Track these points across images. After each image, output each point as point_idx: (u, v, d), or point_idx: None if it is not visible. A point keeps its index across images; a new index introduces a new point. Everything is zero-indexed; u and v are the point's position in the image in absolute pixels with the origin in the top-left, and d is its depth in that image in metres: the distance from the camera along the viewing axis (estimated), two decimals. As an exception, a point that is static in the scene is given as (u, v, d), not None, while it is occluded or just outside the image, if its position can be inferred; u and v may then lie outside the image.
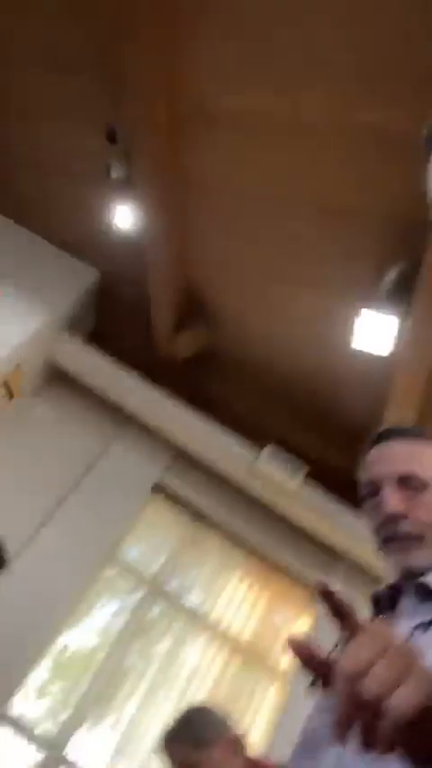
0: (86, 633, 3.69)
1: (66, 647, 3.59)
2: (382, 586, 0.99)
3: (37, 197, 4.22)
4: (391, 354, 3.33)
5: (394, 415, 3.50)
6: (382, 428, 1.10)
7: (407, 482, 0.97)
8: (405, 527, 0.94)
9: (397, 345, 3.21)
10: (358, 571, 4.01)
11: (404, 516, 0.94)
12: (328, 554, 4.11)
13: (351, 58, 2.49)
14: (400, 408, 3.44)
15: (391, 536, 0.95)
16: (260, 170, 3.14)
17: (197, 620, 3.83)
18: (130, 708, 3.43)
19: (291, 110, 2.80)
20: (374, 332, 3.14)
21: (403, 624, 0.87)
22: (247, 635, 3.84)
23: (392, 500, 0.96)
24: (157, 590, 3.88)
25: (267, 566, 4.12)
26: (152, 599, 3.84)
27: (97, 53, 3.11)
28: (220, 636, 3.79)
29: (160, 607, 3.83)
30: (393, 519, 0.95)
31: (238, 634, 3.82)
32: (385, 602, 0.97)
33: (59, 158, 3.84)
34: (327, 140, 2.82)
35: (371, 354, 3.56)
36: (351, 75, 2.54)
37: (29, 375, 4.29)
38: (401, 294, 3.04)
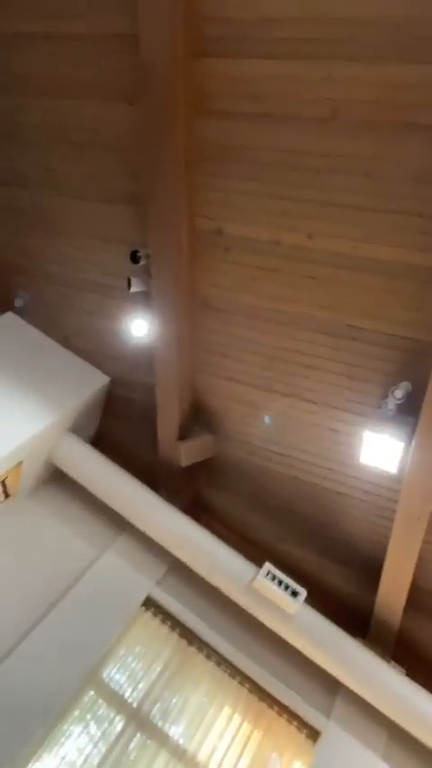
0: (58, 765, 3.35)
1: (33, 782, 3.24)
2: None
3: (61, 307, 4.45)
4: (397, 473, 3.32)
5: (400, 538, 3.42)
6: None
7: None
8: None
9: (402, 467, 3.21)
10: (360, 709, 3.70)
11: None
12: (327, 687, 3.81)
13: (362, 202, 2.75)
14: (405, 531, 3.36)
15: None
16: (270, 291, 3.33)
17: (182, 756, 3.47)
18: None
19: (303, 241, 3.03)
20: (379, 452, 3.16)
21: None
22: (236, 780, 3.46)
23: None
24: (139, 719, 3.56)
25: (261, 696, 3.81)
26: (133, 729, 3.52)
27: (131, 186, 3.43)
28: (206, 779, 3.42)
29: (142, 739, 3.50)
30: None
31: (226, 778, 3.45)
32: None
33: (86, 274, 4.10)
34: (337, 268, 3.03)
35: (376, 473, 3.56)
36: (363, 216, 2.78)
37: (29, 474, 4.26)
38: (407, 414, 3.09)
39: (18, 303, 4.65)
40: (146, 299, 3.77)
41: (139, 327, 3.83)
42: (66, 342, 4.65)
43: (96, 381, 4.57)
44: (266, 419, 4.00)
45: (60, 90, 3.32)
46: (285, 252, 3.13)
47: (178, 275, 3.44)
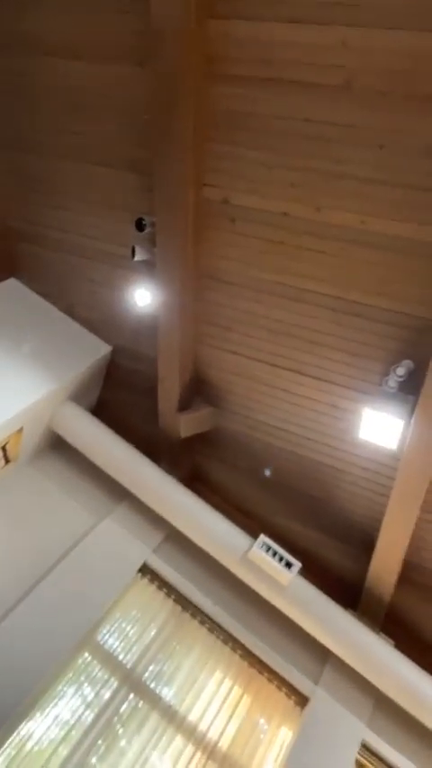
0: (51, 724, 3.44)
1: (27, 736, 3.33)
2: None
3: (65, 275, 4.42)
4: (396, 451, 3.34)
5: (395, 514, 3.46)
6: None
7: None
8: None
9: (401, 444, 3.23)
10: (348, 677, 3.79)
11: None
12: (317, 656, 3.90)
13: (373, 175, 2.71)
14: (400, 507, 3.40)
15: None
16: (276, 264, 3.31)
17: (172, 719, 3.57)
18: None
19: (311, 213, 3.00)
20: (379, 429, 3.17)
21: None
22: (225, 741, 3.56)
23: None
24: (132, 681, 3.65)
25: (251, 662, 3.90)
26: (126, 691, 3.61)
27: (138, 152, 3.38)
28: (197, 739, 3.52)
29: (134, 702, 3.59)
30: None
31: (216, 739, 3.54)
32: None
33: (90, 241, 4.06)
34: (344, 242, 3.00)
35: (373, 450, 3.58)
36: (373, 189, 2.75)
37: (29, 440, 4.29)
38: (407, 392, 3.10)
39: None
40: (150, 268, 3.74)
41: (143, 297, 3.81)
42: (69, 310, 4.64)
43: (98, 350, 4.57)
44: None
45: (71, 51, 3.25)
46: (293, 224, 3.10)
47: (183, 245, 3.41)
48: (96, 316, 4.51)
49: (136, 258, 3.58)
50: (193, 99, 2.86)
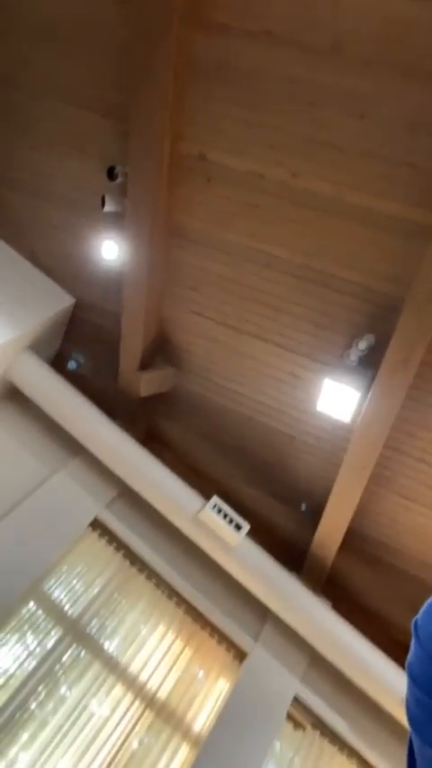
0: (-9, 670, 3.47)
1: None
2: None
3: (29, 219, 4.23)
4: (350, 423, 3.41)
5: (344, 483, 3.56)
6: None
7: None
8: None
9: (355, 417, 3.30)
10: (286, 635, 3.95)
11: None
12: (258, 614, 4.04)
13: (353, 145, 2.67)
14: (349, 478, 3.50)
15: None
16: (248, 228, 3.26)
17: (114, 669, 3.66)
18: (26, 759, 3.19)
19: (287, 178, 2.95)
20: (336, 400, 3.23)
21: None
22: (164, 691, 3.68)
23: None
24: (76, 631, 3.70)
25: (194, 617, 4.01)
26: (69, 641, 3.66)
27: (115, 97, 3.22)
28: (136, 688, 3.62)
29: (77, 651, 3.65)
30: None
31: (155, 689, 3.66)
32: None
33: (58, 186, 3.89)
34: (318, 211, 2.97)
35: (329, 421, 3.65)
36: (351, 159, 2.71)
37: (-17, 389, 4.18)
38: (367, 367, 3.15)
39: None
40: (119, 220, 3.63)
41: (110, 250, 3.70)
42: (32, 257, 4.47)
43: (61, 301, 4.45)
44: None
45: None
46: (268, 187, 3.04)
47: (155, 198, 3.31)
48: (60, 265, 4.37)
49: (105, 208, 3.45)
50: (175, 44, 2.73)
